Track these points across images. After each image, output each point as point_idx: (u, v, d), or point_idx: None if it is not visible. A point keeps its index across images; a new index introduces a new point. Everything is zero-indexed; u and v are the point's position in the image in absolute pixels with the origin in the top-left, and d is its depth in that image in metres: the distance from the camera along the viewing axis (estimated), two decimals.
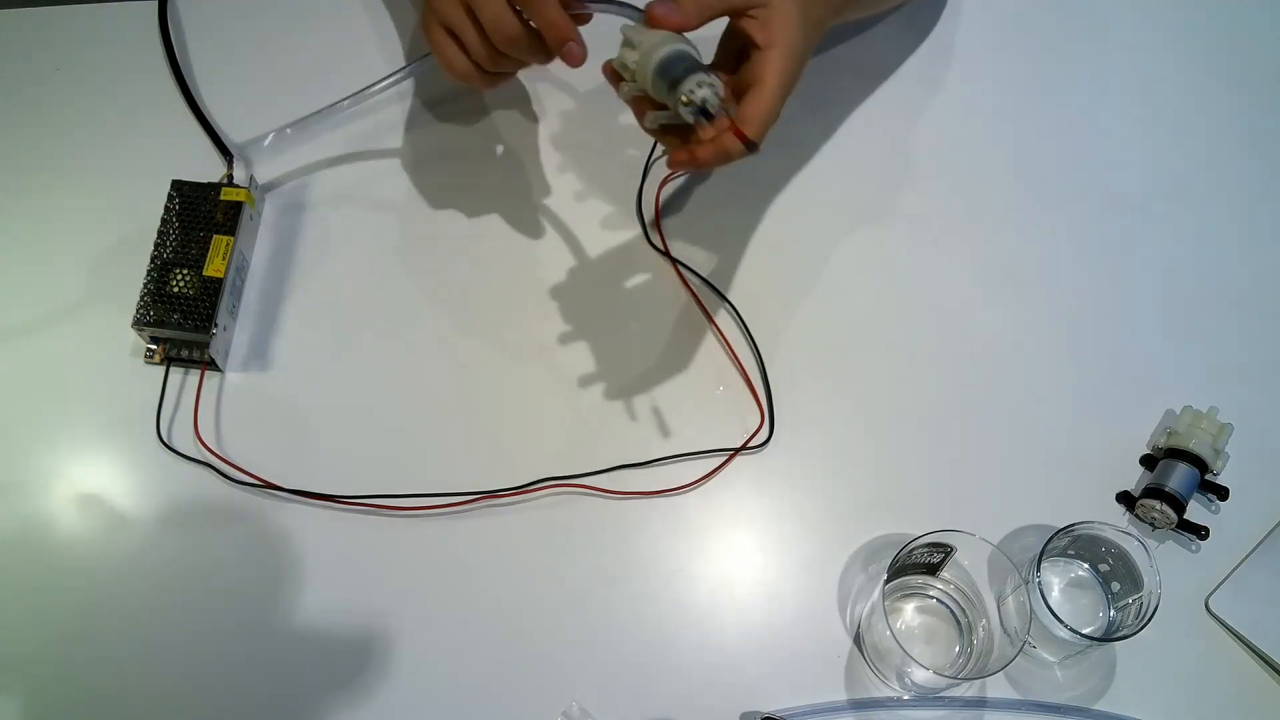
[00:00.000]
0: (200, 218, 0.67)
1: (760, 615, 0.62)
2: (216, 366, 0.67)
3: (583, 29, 0.57)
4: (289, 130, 0.68)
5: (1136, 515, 0.64)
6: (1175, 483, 0.62)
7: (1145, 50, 0.78)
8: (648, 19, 0.54)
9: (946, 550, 0.58)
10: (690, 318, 0.69)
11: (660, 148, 0.72)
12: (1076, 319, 0.69)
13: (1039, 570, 0.57)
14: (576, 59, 0.57)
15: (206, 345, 0.65)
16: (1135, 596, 0.59)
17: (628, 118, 0.74)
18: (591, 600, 0.62)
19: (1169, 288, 0.70)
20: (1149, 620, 0.56)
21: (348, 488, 0.64)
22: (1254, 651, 0.61)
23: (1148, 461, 0.65)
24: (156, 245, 0.67)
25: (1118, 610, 0.61)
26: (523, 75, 0.76)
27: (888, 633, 0.55)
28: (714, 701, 0.60)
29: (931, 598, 0.62)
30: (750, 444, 0.66)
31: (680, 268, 0.70)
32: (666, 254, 0.70)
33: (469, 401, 0.67)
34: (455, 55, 0.60)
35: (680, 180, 0.73)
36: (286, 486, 0.64)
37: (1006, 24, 0.78)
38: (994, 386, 0.68)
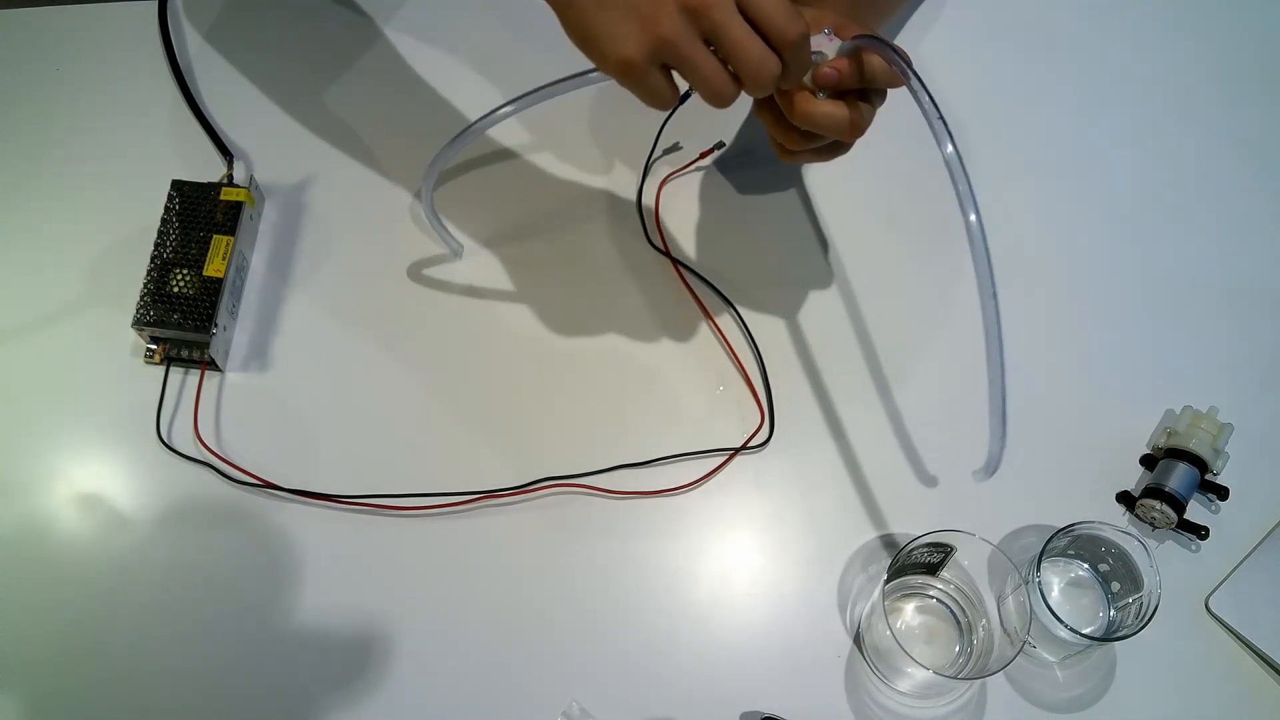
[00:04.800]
0: (200, 218, 0.67)
1: (760, 615, 0.62)
2: (216, 366, 0.67)
3: None
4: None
5: (1136, 515, 0.64)
6: (1175, 483, 0.62)
7: (1145, 49, 0.78)
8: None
9: (946, 550, 0.58)
10: (690, 318, 0.69)
11: (661, 148, 0.73)
12: (1076, 319, 0.69)
13: (1039, 570, 0.57)
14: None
15: (206, 345, 0.65)
16: (1135, 596, 0.59)
17: (627, 117, 0.74)
18: (591, 600, 0.62)
19: (1169, 288, 0.70)
20: (1149, 620, 0.56)
21: (348, 488, 0.64)
22: (1254, 651, 0.61)
23: (1148, 461, 0.65)
24: (156, 245, 0.67)
25: (1118, 610, 0.61)
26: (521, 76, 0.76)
27: (888, 633, 0.55)
28: (714, 701, 0.60)
29: (931, 598, 0.62)
30: (750, 444, 0.66)
31: (680, 268, 0.70)
32: (666, 254, 0.70)
33: (469, 401, 0.67)
34: (718, 71, 0.50)
35: (680, 180, 0.73)
36: (286, 486, 0.64)
37: (1004, 22, 0.78)
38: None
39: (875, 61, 0.53)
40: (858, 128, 0.56)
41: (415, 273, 0.70)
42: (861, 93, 0.55)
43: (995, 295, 0.49)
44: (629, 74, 0.50)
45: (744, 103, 0.74)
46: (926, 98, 0.50)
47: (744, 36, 0.49)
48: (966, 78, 0.76)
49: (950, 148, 0.50)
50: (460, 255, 0.69)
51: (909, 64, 0.51)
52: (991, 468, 0.53)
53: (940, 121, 0.50)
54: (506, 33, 0.77)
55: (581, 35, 0.51)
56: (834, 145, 0.59)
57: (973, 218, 0.50)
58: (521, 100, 0.56)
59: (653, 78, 0.50)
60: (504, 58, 0.76)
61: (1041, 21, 0.78)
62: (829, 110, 0.55)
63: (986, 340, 0.50)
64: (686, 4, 0.48)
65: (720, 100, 0.51)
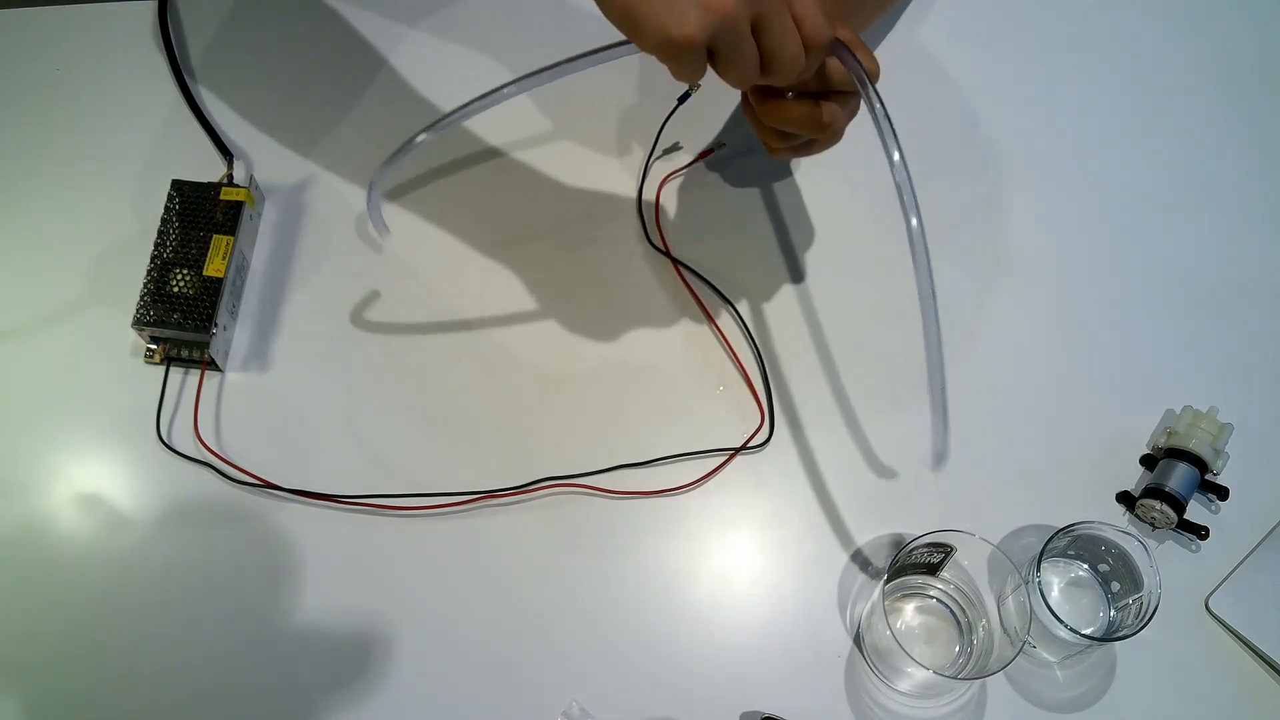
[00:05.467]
0: (200, 217, 0.67)
1: (760, 615, 0.62)
2: (216, 366, 0.67)
3: None
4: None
5: (1136, 515, 0.64)
6: (1175, 483, 0.62)
7: (1145, 48, 0.78)
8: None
9: (946, 550, 0.58)
10: (690, 318, 0.69)
11: (661, 148, 0.73)
12: (1076, 318, 0.69)
13: (1039, 570, 0.57)
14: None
15: (206, 345, 0.65)
16: (1135, 596, 0.59)
17: (627, 117, 0.74)
18: (591, 600, 0.62)
19: (1169, 287, 0.70)
20: (1149, 620, 0.56)
21: (348, 488, 0.64)
22: (1254, 651, 0.61)
23: (1148, 461, 0.65)
24: (156, 245, 0.67)
25: (1118, 610, 0.61)
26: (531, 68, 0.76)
27: (888, 633, 0.55)
28: (714, 701, 0.60)
29: (931, 598, 0.62)
30: (750, 444, 0.66)
31: (680, 268, 0.70)
32: (667, 254, 0.70)
33: (469, 401, 0.67)
34: (756, 59, 0.50)
35: (680, 180, 0.73)
36: (286, 486, 0.64)
37: (1001, 19, 0.78)
38: (994, 386, 0.68)
39: (834, 64, 0.54)
40: (825, 126, 0.57)
41: (414, 272, 0.70)
42: (831, 93, 0.56)
43: (935, 296, 0.51)
44: (682, 51, 0.48)
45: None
46: (880, 106, 0.52)
47: (790, 29, 0.49)
48: (966, 77, 0.76)
49: (898, 155, 0.52)
50: (383, 242, 0.68)
51: (866, 73, 0.52)
52: (940, 460, 0.55)
53: (892, 134, 0.51)
54: (511, 31, 0.77)
55: (629, 9, 0.48)
56: (813, 142, 0.60)
57: (914, 221, 0.52)
58: (525, 80, 0.55)
59: (701, 56, 0.49)
60: (508, 55, 0.76)
61: (1041, 21, 0.78)
62: (797, 111, 0.56)
63: (926, 340, 0.52)
64: None
65: (744, 86, 0.51)
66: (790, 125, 0.57)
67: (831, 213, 0.72)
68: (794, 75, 0.51)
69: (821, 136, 0.58)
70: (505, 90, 0.56)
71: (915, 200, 0.51)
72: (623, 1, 0.48)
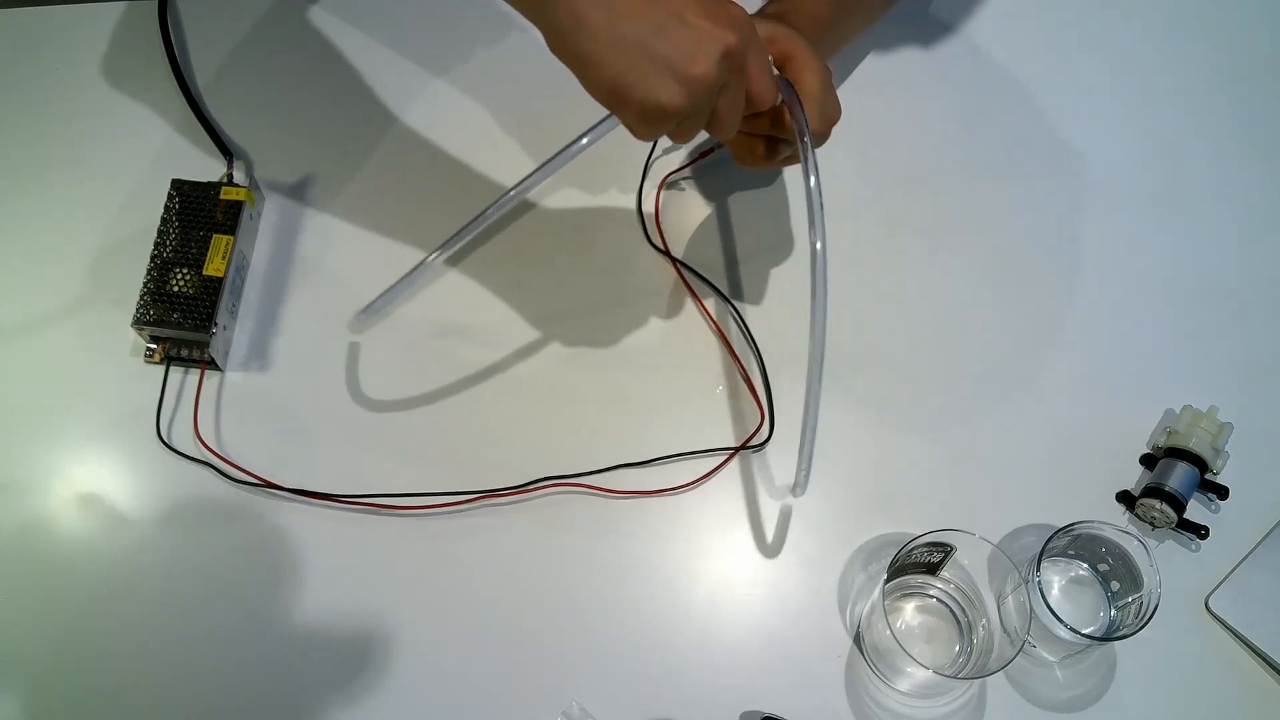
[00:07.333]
0: (200, 217, 0.67)
1: (760, 615, 0.62)
2: (216, 366, 0.67)
3: None
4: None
5: (1136, 515, 0.64)
6: (1175, 482, 0.62)
7: (1148, 46, 0.78)
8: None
9: (946, 550, 0.58)
10: (690, 318, 0.69)
11: (661, 148, 0.73)
12: (1076, 318, 0.69)
13: (1039, 570, 0.57)
14: None
15: (206, 345, 0.65)
16: (1135, 596, 0.59)
17: None
18: (591, 600, 0.62)
19: (1169, 287, 0.70)
20: (1149, 620, 0.56)
21: (348, 488, 0.64)
22: (1254, 651, 0.61)
23: (1148, 461, 0.65)
24: (156, 245, 0.67)
25: (1118, 610, 0.61)
26: (520, 77, 0.76)
27: (888, 632, 0.55)
28: (714, 701, 0.60)
29: (931, 597, 0.62)
30: (750, 444, 0.66)
31: (680, 268, 0.70)
32: (666, 254, 0.70)
33: (468, 401, 0.67)
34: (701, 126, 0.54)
35: (680, 180, 0.73)
36: (286, 486, 0.64)
37: (1000, 20, 0.78)
38: (994, 386, 0.68)
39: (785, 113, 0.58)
40: (744, 160, 0.63)
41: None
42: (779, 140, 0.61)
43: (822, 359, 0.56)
44: (665, 119, 0.51)
45: None
46: (813, 161, 0.55)
47: (741, 98, 0.53)
48: (967, 74, 0.76)
49: (814, 180, 0.55)
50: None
51: (810, 128, 0.55)
52: (800, 488, 0.60)
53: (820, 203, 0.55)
54: (508, 33, 0.77)
55: (617, 84, 0.50)
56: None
57: (819, 245, 0.55)
58: (534, 176, 0.59)
59: (676, 121, 0.51)
60: (506, 54, 0.76)
61: (1045, 17, 0.78)
62: (736, 144, 0.63)
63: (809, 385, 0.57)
64: (729, 49, 0.49)
65: (684, 141, 0.56)
66: (730, 148, 0.64)
67: (832, 213, 0.72)
68: (730, 136, 0.55)
69: (743, 164, 0.64)
70: (511, 195, 0.60)
71: (824, 228, 0.56)
72: (611, 77, 0.50)
